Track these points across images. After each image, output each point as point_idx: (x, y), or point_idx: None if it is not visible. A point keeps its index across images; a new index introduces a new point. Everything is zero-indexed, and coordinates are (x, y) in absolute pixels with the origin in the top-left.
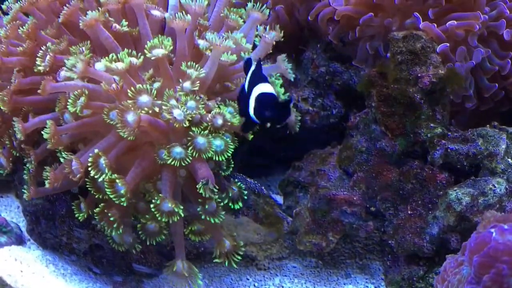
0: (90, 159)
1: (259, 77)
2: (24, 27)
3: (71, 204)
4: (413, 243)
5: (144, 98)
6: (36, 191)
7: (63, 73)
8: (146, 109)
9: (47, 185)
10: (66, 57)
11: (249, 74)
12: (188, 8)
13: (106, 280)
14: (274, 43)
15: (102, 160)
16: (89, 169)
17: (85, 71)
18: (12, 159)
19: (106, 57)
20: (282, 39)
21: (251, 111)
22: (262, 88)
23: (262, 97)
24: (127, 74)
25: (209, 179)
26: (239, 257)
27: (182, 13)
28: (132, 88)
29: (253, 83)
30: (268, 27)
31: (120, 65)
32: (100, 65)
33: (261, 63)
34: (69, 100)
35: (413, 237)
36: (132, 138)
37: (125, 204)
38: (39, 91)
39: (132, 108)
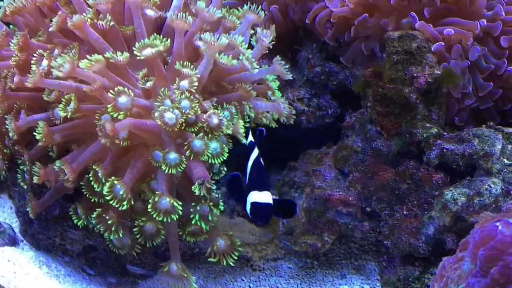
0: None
1: (257, 180)
2: (14, 38)
3: (64, 205)
4: (409, 243)
5: (123, 99)
6: (37, 205)
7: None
8: (123, 112)
9: (35, 180)
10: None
11: (249, 164)
12: (199, 12)
13: (100, 281)
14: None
15: (100, 172)
16: (90, 178)
17: (71, 72)
18: (5, 158)
19: (87, 58)
20: (277, 39)
21: (247, 209)
22: (259, 197)
23: (258, 207)
24: (109, 72)
25: (205, 179)
26: (235, 257)
27: (185, 14)
28: (112, 91)
29: (252, 184)
30: (262, 27)
31: (97, 63)
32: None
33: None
34: (60, 105)
35: (408, 237)
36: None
37: (126, 207)
38: (26, 82)
39: (111, 113)
